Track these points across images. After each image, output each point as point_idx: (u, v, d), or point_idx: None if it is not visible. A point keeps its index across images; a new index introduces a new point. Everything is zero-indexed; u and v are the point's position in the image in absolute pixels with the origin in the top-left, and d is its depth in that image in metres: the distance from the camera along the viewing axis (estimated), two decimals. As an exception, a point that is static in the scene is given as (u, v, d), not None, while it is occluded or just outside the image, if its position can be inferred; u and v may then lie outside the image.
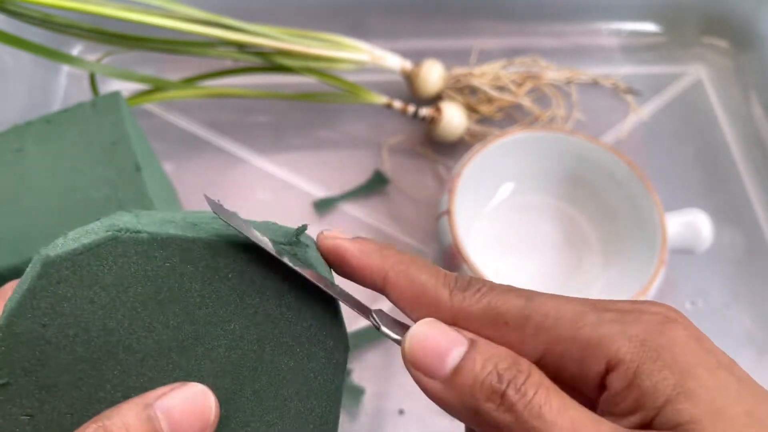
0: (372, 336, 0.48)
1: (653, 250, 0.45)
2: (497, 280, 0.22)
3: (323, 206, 0.54)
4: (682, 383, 0.18)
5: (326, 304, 0.23)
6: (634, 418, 0.18)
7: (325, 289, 0.21)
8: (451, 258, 0.45)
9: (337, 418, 0.23)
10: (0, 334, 0.20)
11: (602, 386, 0.19)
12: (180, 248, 0.21)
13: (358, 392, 0.46)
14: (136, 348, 0.21)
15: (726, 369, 0.18)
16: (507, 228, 0.52)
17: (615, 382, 0.19)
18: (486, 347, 0.19)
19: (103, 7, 0.47)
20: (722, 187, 0.57)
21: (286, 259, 0.21)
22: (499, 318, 0.20)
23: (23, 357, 0.21)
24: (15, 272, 0.36)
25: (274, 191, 0.56)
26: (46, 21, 0.48)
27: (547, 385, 0.18)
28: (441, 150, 0.58)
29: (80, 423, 0.20)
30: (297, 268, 0.21)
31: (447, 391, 0.19)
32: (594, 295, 0.48)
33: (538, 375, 0.19)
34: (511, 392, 0.18)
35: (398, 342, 0.21)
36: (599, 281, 0.49)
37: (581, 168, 0.51)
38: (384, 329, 0.21)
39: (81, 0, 0.46)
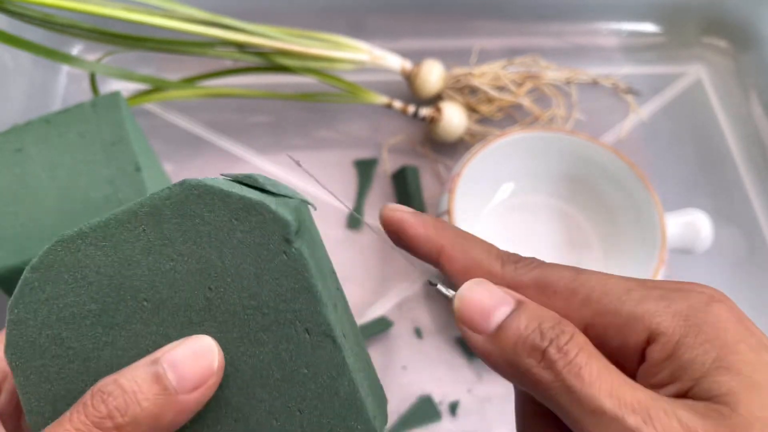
0: (372, 332, 0.48)
1: (653, 250, 0.45)
2: None
3: (356, 222, 0.54)
4: (722, 357, 0.18)
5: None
6: (671, 389, 0.19)
7: (389, 244, 0.24)
8: (451, 258, 0.45)
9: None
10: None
11: (642, 359, 0.20)
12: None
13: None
14: (151, 300, 0.23)
15: (764, 348, 0.19)
16: (507, 228, 0.52)
17: (655, 353, 0.19)
18: (532, 307, 0.20)
19: (103, 7, 0.47)
20: (722, 187, 0.57)
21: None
22: (548, 287, 0.21)
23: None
24: (15, 272, 0.36)
25: (274, 191, 0.56)
26: (46, 21, 0.48)
27: (590, 349, 0.19)
28: (441, 150, 0.58)
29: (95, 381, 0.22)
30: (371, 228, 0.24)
31: (491, 346, 0.20)
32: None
33: (581, 338, 0.19)
34: (552, 350, 0.19)
35: (450, 299, 0.22)
36: (599, 281, 0.49)
37: (581, 168, 0.51)
38: (440, 286, 0.22)
39: (81, 0, 0.46)
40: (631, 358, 0.20)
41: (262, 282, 0.22)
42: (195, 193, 0.23)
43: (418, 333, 0.49)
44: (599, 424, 0.17)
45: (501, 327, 0.20)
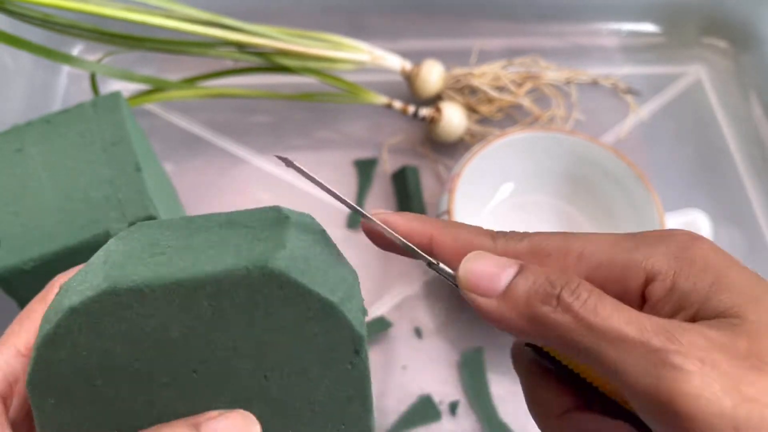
0: (372, 332, 0.48)
1: (653, 250, 0.45)
2: None
3: (356, 222, 0.54)
4: (718, 281, 0.19)
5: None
6: (678, 318, 0.20)
7: (391, 234, 0.23)
8: (451, 258, 0.45)
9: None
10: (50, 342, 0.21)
11: (643, 301, 0.21)
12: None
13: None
14: (186, 370, 0.22)
15: (754, 274, 0.20)
16: (507, 228, 0.52)
17: (656, 291, 0.20)
18: (536, 267, 0.21)
19: (103, 7, 0.47)
20: (722, 187, 0.57)
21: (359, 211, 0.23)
22: (541, 252, 0.22)
23: (76, 368, 0.22)
24: (15, 272, 0.36)
25: (274, 191, 0.56)
26: (46, 21, 0.48)
27: (599, 291, 0.20)
28: (441, 150, 0.58)
29: None
30: (374, 218, 0.23)
31: (503, 306, 0.20)
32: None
33: (589, 284, 0.20)
34: (566, 294, 0.19)
35: (452, 277, 0.22)
36: (599, 281, 0.49)
37: (581, 168, 0.51)
38: (441, 265, 0.22)
39: (81, 0, 0.47)
40: (632, 302, 0.20)
41: (320, 383, 0.22)
42: (275, 284, 0.21)
43: (418, 333, 0.49)
44: (625, 352, 0.18)
45: (510, 286, 0.20)
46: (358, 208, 0.23)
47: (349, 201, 0.23)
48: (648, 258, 0.20)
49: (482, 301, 0.21)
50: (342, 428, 0.23)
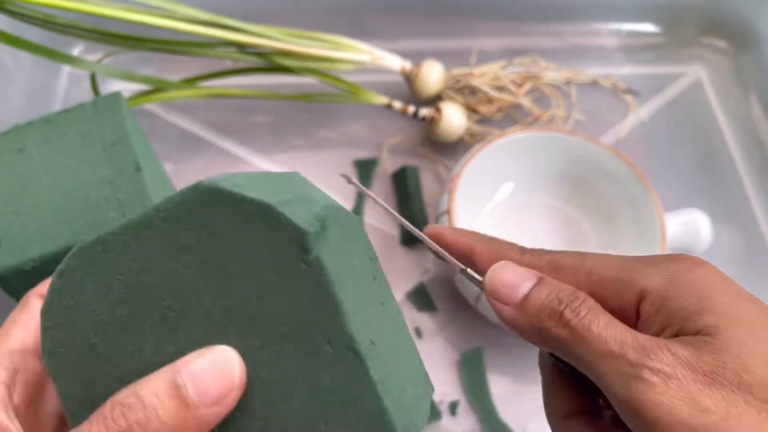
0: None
1: (653, 250, 0.45)
2: None
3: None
4: (702, 302, 0.22)
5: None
6: (664, 335, 0.22)
7: (430, 244, 0.27)
8: (451, 258, 0.45)
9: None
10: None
11: (638, 316, 0.23)
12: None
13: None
14: (176, 310, 0.22)
15: (745, 298, 0.22)
16: (507, 228, 0.52)
17: (647, 308, 0.23)
18: (550, 281, 0.24)
19: (103, 8, 0.47)
20: (722, 187, 0.57)
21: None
22: (559, 267, 0.25)
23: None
24: (15, 272, 0.36)
25: (274, 191, 0.56)
26: (46, 21, 0.48)
27: (598, 309, 0.23)
28: (441, 150, 0.58)
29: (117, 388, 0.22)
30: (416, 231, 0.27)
31: (518, 315, 0.24)
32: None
33: (591, 301, 0.23)
34: (567, 312, 0.23)
35: (480, 282, 0.26)
36: (599, 281, 0.49)
37: (581, 168, 0.51)
38: (469, 270, 0.26)
39: (81, 0, 0.47)
40: (629, 317, 0.23)
41: (281, 291, 0.21)
42: (209, 198, 0.21)
43: (418, 333, 0.49)
44: (608, 363, 0.21)
45: (526, 297, 0.24)
46: (409, 225, 0.28)
47: (403, 219, 0.28)
48: (645, 278, 0.23)
49: (502, 307, 0.24)
50: (319, 337, 0.21)
